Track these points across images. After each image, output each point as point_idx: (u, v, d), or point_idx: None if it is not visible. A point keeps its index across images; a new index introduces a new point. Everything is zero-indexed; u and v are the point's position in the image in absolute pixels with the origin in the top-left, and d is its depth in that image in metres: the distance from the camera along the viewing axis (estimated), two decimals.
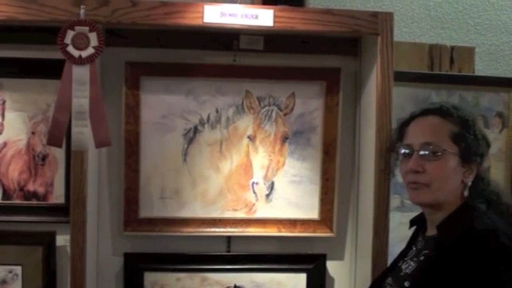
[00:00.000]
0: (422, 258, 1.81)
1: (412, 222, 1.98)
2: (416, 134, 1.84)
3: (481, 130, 1.83)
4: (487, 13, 3.15)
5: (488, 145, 1.84)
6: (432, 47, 2.67)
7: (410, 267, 1.82)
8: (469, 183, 1.78)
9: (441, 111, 1.83)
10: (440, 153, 1.75)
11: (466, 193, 1.78)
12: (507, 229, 1.68)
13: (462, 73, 2.66)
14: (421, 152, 1.77)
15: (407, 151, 1.82)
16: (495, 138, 2.63)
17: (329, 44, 2.51)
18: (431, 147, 1.76)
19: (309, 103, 2.53)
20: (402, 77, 2.50)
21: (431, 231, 1.84)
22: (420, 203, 1.83)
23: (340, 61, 2.53)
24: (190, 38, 2.47)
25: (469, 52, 2.69)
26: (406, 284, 1.78)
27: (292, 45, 2.51)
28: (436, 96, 2.57)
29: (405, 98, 2.52)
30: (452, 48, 2.68)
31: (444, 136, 1.78)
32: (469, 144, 1.77)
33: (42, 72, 2.41)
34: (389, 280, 1.88)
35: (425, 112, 1.87)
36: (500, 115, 2.64)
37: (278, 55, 2.52)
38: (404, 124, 1.91)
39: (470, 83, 2.60)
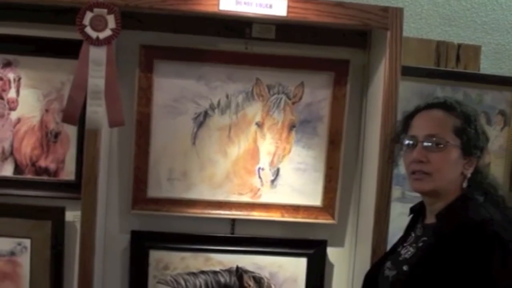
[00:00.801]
0: (420, 244, 1.89)
1: (412, 210, 2.05)
2: (420, 126, 1.91)
3: (481, 125, 1.91)
4: (494, 13, 3.19)
5: (487, 139, 1.92)
6: (439, 44, 2.73)
7: (409, 253, 1.90)
8: (469, 175, 1.86)
9: (445, 105, 1.90)
10: (443, 145, 1.83)
11: (465, 184, 1.86)
12: (502, 219, 1.76)
13: (467, 71, 2.72)
14: (425, 143, 1.85)
15: (411, 142, 1.90)
16: (497, 135, 2.70)
17: (339, 36, 2.57)
18: (434, 139, 1.84)
19: (317, 93, 2.59)
20: (408, 72, 2.56)
21: (430, 219, 1.91)
22: (422, 191, 1.91)
23: (349, 53, 2.59)
24: (204, 25, 2.52)
25: (475, 50, 2.75)
26: (405, 268, 1.86)
27: (303, 36, 2.57)
28: (441, 91, 2.63)
29: (411, 93, 2.58)
30: (459, 45, 2.74)
31: (447, 129, 1.86)
32: (470, 137, 1.84)
33: (58, 52, 2.47)
34: (388, 264, 1.95)
35: (429, 106, 1.94)
36: (502, 113, 2.70)
37: (289, 45, 2.58)
38: (409, 117, 1.98)
39: (475, 80, 2.66)
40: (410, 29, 3.07)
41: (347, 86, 2.57)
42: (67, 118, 2.25)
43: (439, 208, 1.87)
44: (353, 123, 2.61)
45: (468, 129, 1.85)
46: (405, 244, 1.96)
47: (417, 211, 2.02)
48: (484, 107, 2.68)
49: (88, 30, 2.21)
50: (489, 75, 2.71)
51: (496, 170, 2.69)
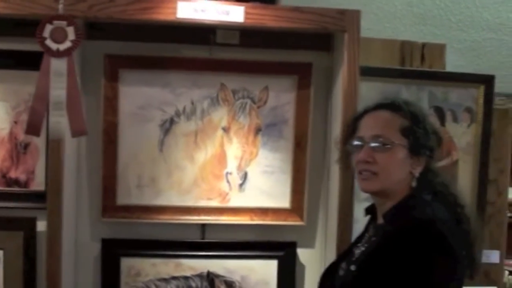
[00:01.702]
0: (368, 244, 1.92)
1: (367, 210, 2.07)
2: (367, 127, 1.93)
3: (432, 125, 1.92)
4: (468, 10, 3.21)
5: (439, 139, 1.94)
6: (403, 44, 2.75)
7: (362, 252, 1.92)
8: (417, 174, 1.87)
9: (392, 106, 1.92)
10: (389, 145, 1.84)
11: (414, 184, 1.87)
12: (447, 218, 1.77)
13: (432, 69, 2.74)
14: (372, 144, 1.87)
15: (359, 143, 1.92)
16: (464, 132, 2.72)
17: (302, 39, 2.59)
18: (381, 139, 1.86)
19: (281, 96, 2.62)
20: (373, 73, 2.59)
21: (380, 220, 1.93)
22: (369, 191, 1.93)
23: (313, 56, 2.62)
24: (168, 32, 2.55)
25: (440, 48, 2.77)
26: (352, 267, 1.89)
27: (267, 40, 2.59)
28: (406, 91, 2.65)
29: (376, 93, 2.58)
30: (423, 45, 2.76)
31: (394, 129, 1.87)
32: (417, 137, 1.86)
33: (24, 64, 2.48)
34: (343, 264, 1.97)
35: (377, 107, 1.96)
36: (468, 110, 2.72)
37: (253, 50, 2.61)
38: (357, 118, 2.00)
39: (440, 79, 2.68)
40: (386, 29, 3.10)
41: (311, 88, 2.59)
42: (30, 129, 2.28)
43: (388, 208, 1.89)
44: (319, 125, 2.63)
45: (416, 129, 1.86)
46: (358, 245, 1.98)
47: (371, 212, 2.04)
48: (450, 104, 2.70)
49: (48, 42, 2.25)
50: (453, 72, 2.73)
51: (464, 167, 2.72)
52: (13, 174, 2.56)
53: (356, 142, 1.92)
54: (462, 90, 2.70)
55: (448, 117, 2.70)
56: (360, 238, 2.04)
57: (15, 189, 2.55)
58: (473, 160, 2.72)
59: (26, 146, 2.55)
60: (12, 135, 2.55)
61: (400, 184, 1.87)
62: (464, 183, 2.72)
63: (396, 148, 1.84)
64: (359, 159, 1.89)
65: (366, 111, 1.97)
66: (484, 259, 2.77)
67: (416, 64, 2.74)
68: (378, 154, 1.85)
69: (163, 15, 2.30)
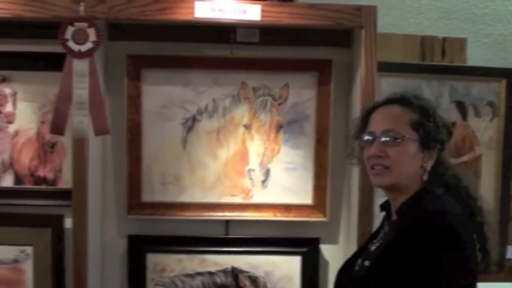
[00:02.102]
0: (383, 240, 1.93)
1: (382, 207, 2.07)
2: (378, 122, 1.92)
3: (442, 118, 1.92)
4: (494, 4, 3.18)
5: (450, 132, 1.93)
6: (424, 39, 2.75)
7: (375, 249, 1.93)
8: (429, 168, 1.87)
9: (402, 101, 1.92)
10: (399, 139, 1.84)
11: (425, 177, 1.87)
12: (459, 211, 1.77)
13: (453, 64, 2.73)
14: (383, 139, 1.86)
15: (370, 137, 1.91)
16: (486, 126, 2.70)
17: (322, 36, 2.62)
18: (391, 133, 1.85)
19: (302, 93, 2.65)
20: (393, 68, 2.61)
21: (394, 215, 1.93)
22: (382, 186, 1.92)
23: (333, 53, 2.64)
24: (189, 32, 2.60)
25: (460, 43, 2.76)
26: (366, 263, 1.89)
27: (286, 38, 2.63)
28: (427, 86, 2.65)
29: (395, 89, 2.54)
30: (444, 39, 2.76)
31: (404, 124, 1.87)
32: (428, 131, 1.86)
33: (50, 65, 2.54)
34: (359, 260, 1.97)
35: (387, 102, 1.95)
36: (490, 104, 2.70)
37: (273, 47, 2.65)
38: (368, 113, 1.99)
39: (461, 73, 2.68)
40: (410, 24, 3.08)
41: (331, 85, 2.61)
42: (54, 129, 2.35)
43: (400, 204, 1.89)
44: (340, 121, 2.64)
45: (426, 122, 1.87)
46: (374, 241, 1.99)
47: (386, 208, 2.04)
48: (472, 99, 2.69)
49: (70, 43, 2.32)
50: (475, 67, 2.72)
51: (487, 161, 2.71)
52: (41, 173, 2.63)
53: (367, 137, 1.92)
54: (484, 84, 2.69)
55: (470, 111, 2.69)
56: (375, 234, 2.04)
57: (43, 187, 2.63)
58: (496, 154, 2.71)
59: (53, 145, 2.63)
60: (39, 135, 2.63)
61: (412, 178, 1.87)
62: (488, 178, 2.71)
63: (407, 142, 1.84)
64: (370, 154, 1.89)
65: (376, 106, 1.97)
66: (510, 255, 2.76)
67: (437, 58, 2.74)
68: (389, 148, 1.85)
69: (180, 15, 2.35)
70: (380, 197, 2.27)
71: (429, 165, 1.87)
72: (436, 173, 1.88)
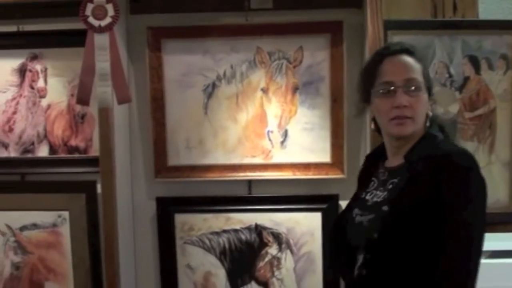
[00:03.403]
0: (390, 186, 1.96)
1: (369, 157, 2.16)
2: (395, 72, 1.94)
3: None
4: None
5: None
6: None
7: (380, 196, 1.97)
8: (431, 114, 1.95)
9: (408, 51, 1.97)
10: (422, 88, 1.91)
11: (427, 123, 1.95)
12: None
13: (464, 18, 2.76)
14: (407, 88, 1.90)
15: (390, 87, 1.92)
16: (500, 79, 2.71)
17: None
18: (414, 82, 1.90)
19: (316, 55, 2.73)
20: (403, 26, 2.64)
21: (395, 162, 1.99)
22: (404, 135, 1.94)
23: (344, 14, 2.71)
24: (205, 2, 2.74)
25: None
26: (385, 208, 1.90)
27: (299, 1, 2.72)
28: (439, 42, 2.68)
29: None
30: None
31: (419, 73, 1.93)
32: (430, 79, 1.96)
33: (77, 42, 2.66)
34: (356, 210, 2.02)
35: (395, 52, 1.98)
36: (504, 57, 2.71)
37: (286, 12, 2.74)
38: (374, 65, 1.99)
39: (472, 27, 2.69)
40: None
41: (343, 45, 2.69)
42: (80, 100, 2.51)
43: (407, 149, 1.94)
44: (354, 80, 2.64)
45: (427, 71, 1.97)
46: (368, 190, 2.05)
47: (375, 157, 2.12)
48: (485, 52, 2.70)
49: (91, 19, 2.47)
50: (486, 20, 2.73)
51: (502, 114, 2.72)
52: (73, 142, 2.81)
53: (384, 88, 1.93)
54: (496, 37, 2.70)
55: (483, 65, 2.71)
56: (364, 184, 2.09)
57: (76, 155, 2.81)
58: (511, 106, 2.73)
59: (83, 116, 2.80)
60: (70, 107, 2.80)
61: (421, 125, 1.94)
62: (503, 130, 2.71)
63: (424, 91, 1.92)
64: (395, 104, 1.90)
65: (382, 57, 1.98)
66: None
67: (449, 14, 2.76)
68: (410, 98, 1.89)
69: None
70: None
71: (430, 111, 1.95)
72: (434, 120, 1.97)
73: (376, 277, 1.87)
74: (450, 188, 1.78)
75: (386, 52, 1.99)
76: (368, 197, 2.03)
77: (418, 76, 1.93)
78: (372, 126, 2.08)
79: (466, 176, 1.80)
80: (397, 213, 1.84)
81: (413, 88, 1.90)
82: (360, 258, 1.92)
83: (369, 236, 1.88)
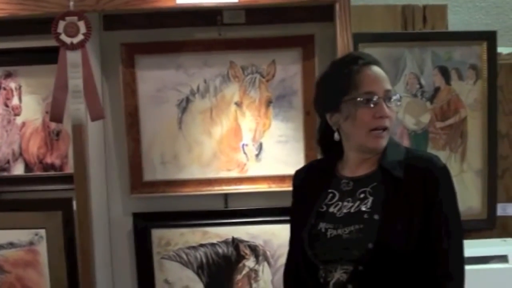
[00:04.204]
0: (362, 195, 1.92)
1: (309, 172, 2.12)
2: (376, 82, 1.92)
3: None
4: None
5: None
6: (404, 7, 2.82)
7: (351, 206, 1.92)
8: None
9: (376, 61, 1.97)
10: (399, 99, 1.95)
11: None
12: None
13: (434, 30, 2.81)
14: (391, 98, 1.90)
15: (373, 98, 1.89)
16: (470, 89, 2.77)
17: (305, 12, 2.73)
18: (391, 93, 1.92)
19: (288, 68, 2.77)
20: (374, 38, 2.70)
21: (360, 171, 1.96)
22: (381, 148, 1.94)
23: (316, 28, 2.75)
24: (178, 18, 2.75)
25: (441, 9, 2.83)
26: (376, 217, 1.86)
27: (272, 17, 2.75)
28: (410, 53, 2.73)
29: (380, 58, 2.64)
30: (424, 7, 2.83)
31: (390, 84, 1.95)
32: None
33: (51, 59, 2.66)
34: (323, 225, 1.95)
35: (368, 62, 1.95)
36: (473, 67, 2.77)
37: (259, 27, 2.77)
38: (349, 73, 1.94)
39: (441, 38, 2.75)
40: None
41: (315, 59, 2.73)
42: (54, 118, 2.51)
43: (375, 158, 1.94)
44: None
45: None
46: (329, 203, 1.98)
47: (313, 171, 2.10)
48: (454, 63, 2.76)
49: (63, 37, 2.47)
50: (455, 32, 2.80)
51: (473, 123, 2.78)
52: (48, 160, 2.81)
53: (367, 98, 1.90)
54: (465, 48, 2.76)
55: (453, 75, 2.77)
56: (320, 197, 2.01)
57: (51, 173, 2.82)
58: (482, 116, 2.78)
59: (58, 133, 2.81)
60: (45, 124, 2.81)
61: None
62: (475, 139, 2.78)
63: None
64: (380, 114, 1.89)
65: (359, 66, 1.94)
66: (500, 212, 2.85)
67: (419, 26, 2.81)
68: (388, 109, 1.90)
69: (163, 2, 2.49)
70: None
71: None
72: None
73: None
74: (441, 190, 1.83)
75: (362, 62, 1.96)
76: (332, 209, 1.97)
77: (391, 87, 1.93)
78: (336, 136, 1.99)
79: (449, 176, 1.87)
80: (390, 221, 1.83)
81: (391, 99, 1.91)
82: (339, 273, 1.89)
83: (362, 247, 1.84)
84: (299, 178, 2.14)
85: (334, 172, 2.03)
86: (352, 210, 1.94)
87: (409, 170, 1.87)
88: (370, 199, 1.91)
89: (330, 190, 2.00)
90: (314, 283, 1.95)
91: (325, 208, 1.98)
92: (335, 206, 1.97)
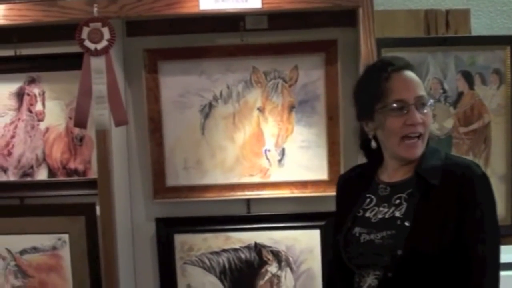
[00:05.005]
0: (397, 201, 1.92)
1: (361, 174, 2.11)
2: (406, 89, 1.91)
3: None
4: None
5: None
6: (427, 12, 2.81)
7: (386, 212, 1.93)
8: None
9: (409, 65, 1.96)
10: (432, 105, 1.93)
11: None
12: None
13: (456, 35, 2.79)
14: (422, 105, 1.89)
15: (404, 105, 1.89)
16: (494, 94, 2.76)
17: (328, 17, 2.73)
18: (424, 99, 1.90)
19: (311, 74, 2.77)
20: (397, 43, 2.69)
21: (397, 177, 1.96)
22: (416, 157, 1.93)
23: (338, 33, 2.75)
24: (201, 23, 2.76)
25: (464, 14, 2.82)
26: (407, 223, 1.86)
27: (294, 22, 2.75)
28: (433, 58, 2.72)
29: None
30: (447, 11, 2.82)
31: (423, 89, 1.94)
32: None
33: (74, 64, 2.68)
34: (358, 229, 1.97)
35: (400, 68, 1.95)
36: (497, 72, 2.75)
37: (281, 32, 2.78)
38: (379, 81, 1.94)
39: (464, 43, 2.74)
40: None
41: (338, 64, 2.73)
42: (78, 123, 2.54)
43: (412, 164, 1.93)
44: (349, 98, 2.69)
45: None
46: (366, 208, 2.00)
47: (357, 176, 2.11)
48: (478, 68, 2.75)
49: (87, 43, 2.50)
50: (478, 36, 2.78)
51: (496, 128, 2.77)
52: (72, 165, 2.83)
53: (397, 106, 1.89)
54: (489, 52, 2.74)
55: (477, 80, 2.75)
56: (358, 203, 2.03)
57: (75, 178, 2.83)
58: (505, 121, 2.76)
59: (81, 138, 2.82)
60: (68, 130, 2.82)
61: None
62: (498, 144, 2.77)
63: (429, 106, 1.93)
64: (410, 122, 1.88)
65: (389, 72, 1.93)
66: None
67: (442, 31, 2.80)
68: (421, 115, 1.89)
69: (187, 8, 2.51)
70: None
71: None
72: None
73: None
74: (478, 197, 1.81)
75: (391, 68, 1.94)
76: (368, 214, 1.98)
77: (424, 92, 1.93)
78: (373, 144, 2.00)
79: (487, 183, 1.85)
80: (421, 228, 1.83)
81: (423, 105, 1.90)
82: (371, 278, 1.90)
83: (392, 253, 1.84)
84: (341, 182, 2.18)
85: (374, 177, 2.04)
86: (386, 216, 1.95)
87: (446, 176, 1.86)
88: (405, 205, 1.92)
89: (368, 195, 2.02)
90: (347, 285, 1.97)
91: (361, 212, 2.00)
92: (372, 211, 1.99)
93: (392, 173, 2.00)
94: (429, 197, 1.86)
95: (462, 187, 1.81)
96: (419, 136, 1.90)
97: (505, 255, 2.66)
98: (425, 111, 1.90)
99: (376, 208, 1.99)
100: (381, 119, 1.92)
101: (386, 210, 1.96)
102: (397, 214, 1.91)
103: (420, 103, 1.89)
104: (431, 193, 1.86)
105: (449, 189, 1.83)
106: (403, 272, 1.82)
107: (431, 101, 1.93)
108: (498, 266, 1.82)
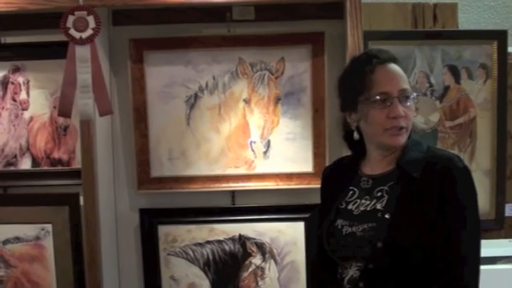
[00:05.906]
0: (379, 194, 1.93)
1: (333, 170, 2.15)
2: (390, 82, 1.91)
3: None
4: None
5: None
6: (415, 6, 2.82)
7: (368, 204, 1.94)
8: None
9: (394, 58, 1.96)
10: (414, 98, 1.93)
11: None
12: None
13: (444, 29, 2.80)
14: (406, 98, 1.89)
15: (387, 98, 1.89)
16: (480, 89, 2.76)
17: (315, 9, 2.72)
18: (407, 92, 1.90)
19: (297, 66, 2.76)
20: (384, 36, 2.68)
21: (379, 169, 1.97)
22: (399, 145, 1.93)
23: (325, 25, 2.73)
24: (187, 13, 2.73)
25: (452, 8, 2.82)
26: (387, 216, 1.87)
27: (281, 13, 2.74)
28: (419, 52, 2.72)
29: None
30: (435, 5, 2.82)
31: (407, 82, 1.94)
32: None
33: (59, 53, 2.65)
34: (341, 221, 1.97)
35: (384, 60, 1.95)
36: (483, 66, 2.76)
37: (268, 23, 2.76)
38: (364, 73, 1.94)
39: (451, 37, 2.74)
40: None
41: (325, 56, 2.71)
42: (62, 112, 2.51)
43: (394, 157, 1.94)
44: (335, 90, 2.73)
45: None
46: (348, 200, 2.01)
47: (340, 169, 2.12)
48: (464, 62, 2.75)
49: (72, 31, 2.47)
50: (466, 30, 2.79)
51: (482, 122, 2.77)
52: (56, 155, 2.81)
53: (380, 98, 1.89)
54: (476, 47, 2.75)
55: (463, 74, 2.75)
56: (340, 195, 2.04)
57: (59, 168, 2.82)
58: (491, 115, 2.76)
59: (65, 128, 2.80)
60: (52, 119, 2.80)
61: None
62: (484, 139, 2.78)
63: (413, 100, 1.93)
64: (393, 115, 1.88)
65: (373, 65, 1.93)
66: (509, 212, 2.83)
67: (429, 24, 2.80)
68: (404, 108, 1.89)
69: None
70: None
71: None
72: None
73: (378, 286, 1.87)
74: (459, 190, 1.81)
75: (376, 61, 1.95)
76: (351, 206, 1.99)
77: (408, 85, 1.93)
78: (355, 135, 2.01)
79: (469, 176, 1.85)
80: (401, 220, 1.84)
81: (407, 98, 1.90)
82: (353, 270, 1.91)
83: (372, 245, 1.85)
84: (325, 174, 2.18)
85: (357, 169, 2.05)
86: (368, 208, 1.96)
87: (428, 169, 1.86)
88: (386, 197, 1.93)
89: (351, 187, 2.03)
90: (332, 279, 1.98)
91: (344, 205, 2.01)
92: (354, 204, 2.00)
93: (374, 165, 2.01)
94: (411, 189, 1.86)
95: (443, 180, 1.82)
96: (401, 128, 1.90)
97: (489, 249, 2.71)
98: (408, 104, 1.90)
99: (358, 200, 2.00)
100: (364, 111, 1.93)
101: (368, 202, 1.97)
102: (378, 206, 1.92)
103: (403, 96, 1.90)
104: (412, 185, 1.86)
105: (430, 182, 1.83)
106: (383, 264, 1.83)
107: (414, 94, 1.92)
108: (478, 258, 1.82)
